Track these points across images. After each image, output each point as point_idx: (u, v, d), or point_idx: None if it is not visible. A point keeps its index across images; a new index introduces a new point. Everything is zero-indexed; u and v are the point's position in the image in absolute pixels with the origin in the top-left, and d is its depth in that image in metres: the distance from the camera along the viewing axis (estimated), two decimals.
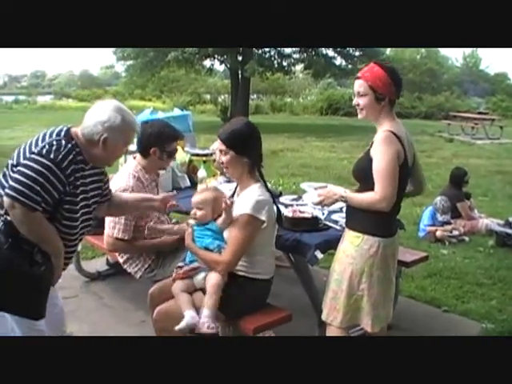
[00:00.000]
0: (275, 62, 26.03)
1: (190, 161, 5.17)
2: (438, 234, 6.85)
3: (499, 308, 4.80)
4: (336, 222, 3.76)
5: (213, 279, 3.15)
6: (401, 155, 2.88)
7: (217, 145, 5.15)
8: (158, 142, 3.78)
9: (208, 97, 38.87)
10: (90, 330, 4.26)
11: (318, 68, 25.60)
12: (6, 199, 2.44)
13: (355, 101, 3.03)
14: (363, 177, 3.01)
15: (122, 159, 5.15)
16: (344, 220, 3.77)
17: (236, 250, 3.10)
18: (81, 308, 4.71)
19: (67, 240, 2.71)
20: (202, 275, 3.23)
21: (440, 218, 7.09)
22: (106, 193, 3.07)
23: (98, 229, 4.59)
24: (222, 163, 3.25)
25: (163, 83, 40.15)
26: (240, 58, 24.51)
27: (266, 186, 3.27)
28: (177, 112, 6.09)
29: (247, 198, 3.15)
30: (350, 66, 26.62)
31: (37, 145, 2.55)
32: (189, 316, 3.06)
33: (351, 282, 3.03)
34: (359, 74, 3.01)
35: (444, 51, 48.20)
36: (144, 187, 3.78)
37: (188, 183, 5.04)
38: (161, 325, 3.28)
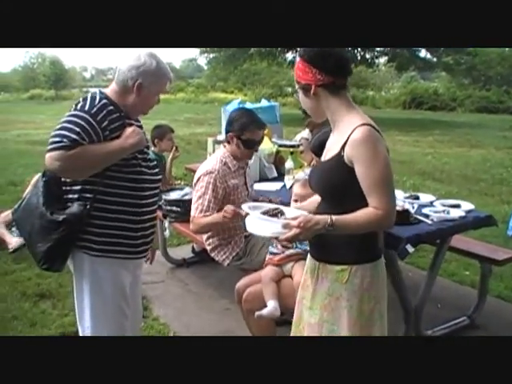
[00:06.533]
0: (358, 54, 25.72)
1: (277, 152, 5.18)
2: None
3: None
4: (427, 216, 3.68)
5: (300, 276, 3.21)
6: (387, 152, 2.25)
7: (303, 135, 5.20)
8: (233, 127, 3.80)
9: (289, 90, 38.86)
10: (175, 315, 4.37)
11: (401, 61, 25.14)
12: (45, 159, 2.41)
13: None
14: (339, 192, 2.28)
15: (210, 148, 5.24)
16: (435, 214, 3.71)
17: None
18: (167, 293, 4.82)
19: (138, 198, 2.65)
20: (290, 264, 3.39)
21: None
22: None
23: (186, 216, 4.71)
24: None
25: (245, 76, 40.53)
26: None
27: None
28: (264, 103, 6.10)
29: None
30: (434, 59, 25.98)
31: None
32: (271, 306, 3.21)
33: (353, 329, 2.33)
34: None
35: None
36: (231, 172, 3.83)
37: (275, 174, 5.06)
38: (249, 306, 3.39)
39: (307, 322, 2.45)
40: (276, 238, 2.40)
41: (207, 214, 3.74)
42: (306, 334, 2.45)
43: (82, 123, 2.41)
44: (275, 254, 3.47)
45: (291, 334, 2.61)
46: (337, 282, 2.31)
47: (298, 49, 2.38)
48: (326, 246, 2.34)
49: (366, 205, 2.17)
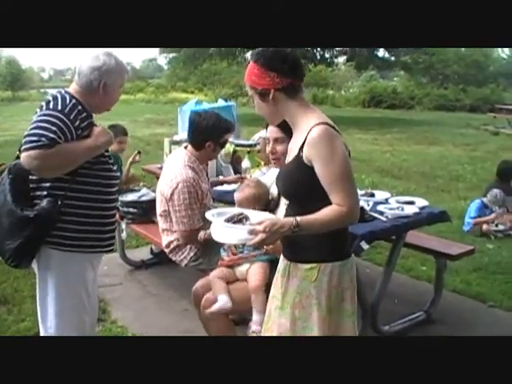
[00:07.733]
0: (317, 53, 25.89)
1: (234, 151, 5.17)
2: (484, 228, 6.70)
3: None
4: (382, 213, 3.72)
5: (254, 280, 3.21)
6: (345, 149, 2.26)
7: (261, 135, 5.19)
8: (214, 135, 3.80)
9: None
10: (134, 317, 4.33)
11: (360, 60, 25.38)
12: (22, 158, 2.44)
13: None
14: (302, 193, 2.30)
15: (166, 149, 5.21)
16: (390, 211, 3.75)
17: None
18: (125, 295, 4.77)
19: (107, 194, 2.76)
20: (245, 266, 3.31)
21: (499, 210, 6.93)
22: None
23: (143, 217, 4.69)
24: (276, 153, 3.07)
25: (205, 76, 40.42)
26: None
27: None
28: (221, 103, 6.10)
29: None
30: (392, 58, 26.31)
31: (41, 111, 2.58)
32: (221, 300, 3.16)
33: (322, 326, 2.33)
34: None
35: None
36: (199, 177, 3.82)
37: (232, 173, 5.05)
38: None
39: (277, 322, 2.43)
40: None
41: (200, 223, 3.73)
42: (275, 333, 2.43)
43: (58, 122, 2.47)
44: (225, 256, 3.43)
45: (262, 331, 2.62)
46: (305, 280, 2.32)
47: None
48: (297, 246, 2.34)
49: (329, 203, 2.18)
